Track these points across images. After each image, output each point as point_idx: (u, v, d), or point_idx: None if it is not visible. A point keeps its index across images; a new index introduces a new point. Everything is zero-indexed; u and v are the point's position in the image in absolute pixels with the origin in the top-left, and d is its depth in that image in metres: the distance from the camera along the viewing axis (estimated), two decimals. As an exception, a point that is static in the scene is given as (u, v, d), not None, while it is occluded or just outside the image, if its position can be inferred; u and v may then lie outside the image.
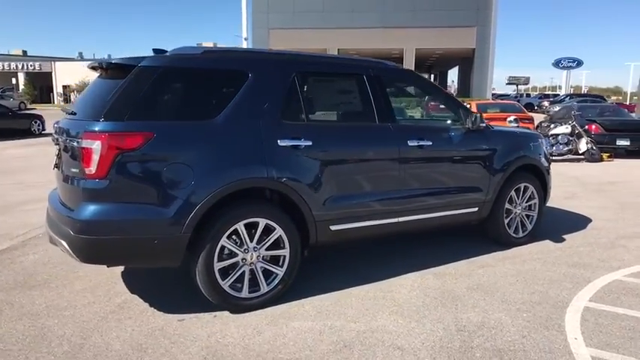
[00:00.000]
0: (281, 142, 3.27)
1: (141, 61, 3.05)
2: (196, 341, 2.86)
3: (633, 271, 4.04)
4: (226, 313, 3.22)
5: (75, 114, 3.28)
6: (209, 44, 65.93)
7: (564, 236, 5.04)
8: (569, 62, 48.71)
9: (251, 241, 3.22)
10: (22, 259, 4.29)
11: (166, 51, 3.63)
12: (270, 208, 3.27)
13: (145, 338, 2.90)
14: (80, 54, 64.73)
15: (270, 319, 3.14)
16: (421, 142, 3.92)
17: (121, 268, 4.04)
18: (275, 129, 3.29)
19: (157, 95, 3.03)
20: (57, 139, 3.37)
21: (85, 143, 2.86)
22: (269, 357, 2.70)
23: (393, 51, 38.58)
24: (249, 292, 3.25)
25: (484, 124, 4.29)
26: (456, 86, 47.51)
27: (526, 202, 4.79)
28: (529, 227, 4.85)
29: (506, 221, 4.64)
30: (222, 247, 3.13)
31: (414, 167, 3.91)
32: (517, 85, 54.00)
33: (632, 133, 11.76)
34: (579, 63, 48.93)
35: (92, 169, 2.84)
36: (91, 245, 2.92)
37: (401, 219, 3.90)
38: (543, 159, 4.91)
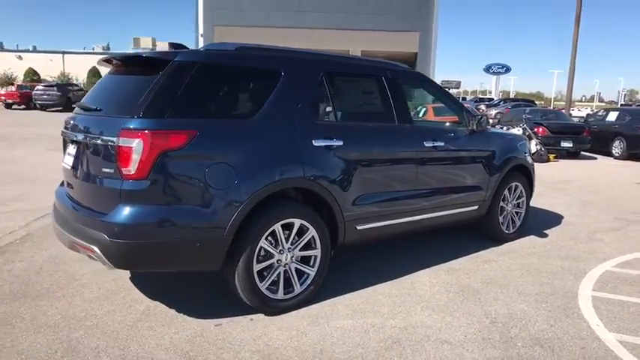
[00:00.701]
0: (315, 142, 3.28)
1: (175, 55, 2.93)
2: (244, 346, 2.80)
3: (618, 262, 4.44)
4: (261, 316, 3.17)
5: (95, 110, 3.08)
6: (147, 40, 63.37)
7: (546, 232, 5.42)
8: (498, 68, 50.85)
9: (286, 241, 3.20)
10: (9, 268, 3.93)
11: (184, 46, 3.52)
12: (304, 209, 3.25)
13: (189, 345, 2.79)
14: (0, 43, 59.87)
15: (310, 320, 3.14)
16: (435, 143, 4.07)
17: (127, 273, 3.84)
18: (309, 129, 3.29)
19: (195, 92, 2.92)
20: (73, 137, 3.15)
21: (123, 142, 2.69)
22: (325, 357, 2.70)
23: (338, 52, 39.05)
24: (284, 294, 3.22)
25: (489, 126, 4.52)
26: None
27: (516, 200, 5.11)
28: (518, 223, 5.17)
29: (500, 218, 4.93)
30: (260, 249, 3.08)
31: (428, 167, 4.05)
32: (449, 89, 56.62)
33: (574, 135, 12.83)
34: (508, 69, 51.41)
35: (131, 169, 2.69)
36: (131, 250, 2.76)
37: (416, 217, 4.03)
38: (529, 158, 5.26)
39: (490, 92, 62.28)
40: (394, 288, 3.71)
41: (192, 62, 2.94)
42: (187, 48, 3.57)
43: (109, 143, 2.77)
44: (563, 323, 3.17)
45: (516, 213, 5.15)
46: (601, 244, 5.02)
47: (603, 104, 67.71)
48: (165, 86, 2.82)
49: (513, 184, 5.00)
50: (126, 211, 2.71)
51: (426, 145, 4.00)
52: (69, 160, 3.21)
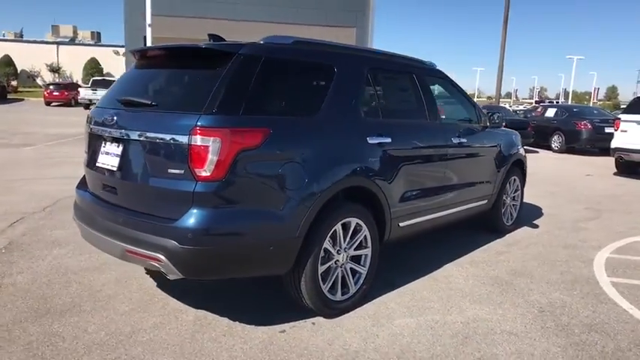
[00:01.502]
0: (370, 140, 3.23)
1: (239, 48, 2.74)
2: (323, 351, 2.70)
3: (613, 249, 4.84)
4: (321, 319, 3.08)
5: (149, 105, 2.80)
6: (67, 28, 58.73)
7: (535, 222, 5.77)
8: None
9: (344, 241, 3.13)
10: (10, 281, 3.49)
11: (221, 37, 3.32)
12: (359, 207, 3.20)
13: (266, 355, 2.64)
14: None
15: (372, 321, 3.10)
16: (460, 140, 4.18)
17: (151, 281, 3.57)
18: (363, 126, 3.24)
19: (263, 88, 2.74)
20: (117, 134, 2.85)
21: (198, 140, 2.48)
22: (409, 357, 2.68)
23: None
24: (341, 295, 3.16)
25: (503, 123, 4.72)
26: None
27: (513, 193, 5.39)
28: (514, 215, 5.46)
29: (502, 211, 5.17)
30: (323, 250, 2.99)
31: (455, 162, 4.15)
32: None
33: (519, 130, 13.67)
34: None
35: (206, 170, 2.48)
36: (205, 257, 2.55)
37: (444, 212, 4.12)
38: (524, 153, 5.56)
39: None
40: (432, 283, 3.76)
41: (258, 56, 2.77)
42: (224, 39, 3.37)
43: (178, 142, 2.53)
44: (602, 309, 3.40)
45: (513, 205, 5.43)
46: (588, 233, 5.43)
47: (520, 101, 72.62)
48: (235, 81, 2.64)
49: (512, 177, 5.26)
50: (200, 215, 2.50)
51: (454, 141, 4.09)
52: (109, 161, 2.89)
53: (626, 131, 9.21)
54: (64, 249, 4.24)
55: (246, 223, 2.62)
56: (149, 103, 2.76)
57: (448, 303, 3.41)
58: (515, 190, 5.41)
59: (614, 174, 10.12)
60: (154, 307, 3.17)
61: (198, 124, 2.48)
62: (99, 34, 62.66)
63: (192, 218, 2.50)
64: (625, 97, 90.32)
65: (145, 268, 3.80)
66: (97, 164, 3.00)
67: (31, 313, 3.02)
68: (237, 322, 3.00)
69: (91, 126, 3.16)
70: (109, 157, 2.90)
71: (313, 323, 3.03)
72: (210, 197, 2.51)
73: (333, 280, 3.09)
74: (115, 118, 2.85)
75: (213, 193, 2.51)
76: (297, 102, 2.99)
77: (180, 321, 3.00)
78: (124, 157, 2.81)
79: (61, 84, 28.64)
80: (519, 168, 5.40)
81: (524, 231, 5.41)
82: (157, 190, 2.62)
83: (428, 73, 4.13)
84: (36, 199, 5.96)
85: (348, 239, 3.15)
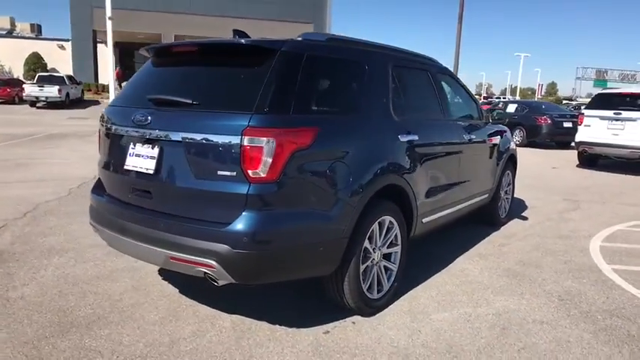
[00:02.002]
0: (401, 138, 3.26)
1: (281, 45, 2.68)
2: (374, 350, 2.71)
3: (603, 237, 5.14)
4: (359, 318, 3.08)
5: (189, 105, 2.65)
6: (4, 19, 54.86)
7: (523, 215, 6.03)
8: None
9: (379, 239, 3.14)
10: (17, 295, 3.26)
11: (246, 34, 3.24)
12: (393, 205, 3.22)
13: (317, 357, 2.62)
14: None
15: (409, 317, 3.13)
16: (470, 136, 4.29)
17: (172, 288, 3.43)
18: (394, 124, 3.26)
19: (307, 85, 2.69)
20: (151, 135, 2.71)
21: (252, 141, 2.40)
22: (458, 350, 2.74)
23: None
24: (377, 293, 3.17)
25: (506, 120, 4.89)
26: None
27: (507, 187, 5.60)
28: (507, 208, 5.68)
29: (498, 204, 5.36)
30: (364, 249, 2.99)
31: (467, 158, 4.26)
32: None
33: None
34: None
35: (261, 171, 2.41)
36: (260, 261, 2.49)
37: (456, 207, 4.22)
38: (515, 147, 5.78)
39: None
40: (451, 277, 3.85)
41: (301, 53, 2.72)
42: (248, 35, 3.29)
43: (228, 143, 2.44)
44: (615, 295, 3.60)
45: (506, 199, 5.64)
46: (575, 223, 5.74)
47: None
48: (283, 79, 2.58)
49: (507, 171, 5.47)
50: (254, 218, 2.43)
51: (465, 137, 4.20)
52: (142, 163, 2.74)
53: (589, 125, 9.78)
54: (63, 257, 3.99)
55: (299, 225, 2.58)
56: (190, 102, 2.64)
57: (474, 296, 3.50)
58: (508, 184, 5.62)
59: (577, 166, 10.73)
60: (185, 315, 3.06)
61: (251, 124, 2.41)
62: (39, 26, 59.08)
63: (246, 221, 2.42)
64: (564, 92, 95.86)
65: (161, 274, 3.66)
66: (125, 167, 2.84)
67: (54, 328, 2.83)
68: (277, 326, 2.95)
69: (112, 126, 2.99)
70: (141, 159, 2.75)
71: (354, 322, 3.02)
72: (264, 199, 2.45)
73: (370, 278, 3.10)
74: (150, 118, 2.70)
75: (267, 195, 2.44)
76: (337, 100, 2.96)
77: (217, 327, 2.91)
78: (161, 159, 2.67)
79: (1, 80, 26.80)
80: (512, 162, 5.61)
81: (516, 223, 5.63)
82: (205, 193, 2.51)
83: (438, 70, 4.21)
84: (12, 204, 5.57)
85: (382, 237, 3.17)
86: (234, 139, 2.42)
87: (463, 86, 4.69)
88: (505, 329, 3.01)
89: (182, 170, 2.59)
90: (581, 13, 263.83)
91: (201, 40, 2.96)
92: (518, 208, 6.29)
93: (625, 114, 9.26)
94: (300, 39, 2.87)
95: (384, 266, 3.25)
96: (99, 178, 3.31)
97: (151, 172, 2.69)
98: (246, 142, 2.40)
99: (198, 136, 2.52)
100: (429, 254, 4.35)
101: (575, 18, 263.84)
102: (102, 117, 3.19)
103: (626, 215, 6.19)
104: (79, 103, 26.09)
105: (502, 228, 5.39)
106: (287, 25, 35.86)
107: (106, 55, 37.69)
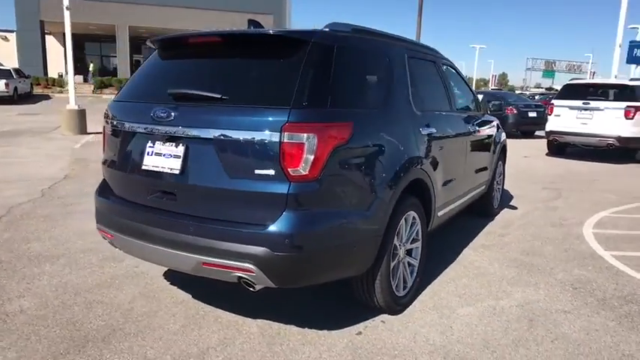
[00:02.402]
0: (422, 131, 3.20)
1: (312, 35, 2.54)
2: (412, 349, 2.65)
3: (592, 224, 5.31)
4: (387, 317, 3.01)
5: (217, 99, 2.47)
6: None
7: (512, 204, 6.16)
8: None
9: (404, 235, 3.09)
10: (15, 308, 2.98)
11: (261, 24, 3.09)
12: (416, 201, 3.16)
13: (357, 359, 2.55)
14: None
15: (436, 313, 3.10)
16: (474, 127, 4.31)
17: (184, 294, 3.26)
18: (415, 117, 3.20)
19: (339, 78, 2.57)
20: (176, 132, 2.51)
21: (292, 137, 2.26)
22: (494, 344, 2.72)
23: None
24: (402, 290, 3.12)
25: (502, 112, 4.92)
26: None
27: (498, 177, 5.69)
28: (499, 198, 5.78)
29: (493, 194, 5.44)
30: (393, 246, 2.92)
31: (472, 150, 4.27)
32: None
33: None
34: None
35: (302, 169, 2.28)
36: (302, 263, 2.37)
37: (463, 200, 4.23)
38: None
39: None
40: (464, 270, 3.85)
41: (331, 45, 2.59)
42: (262, 25, 3.14)
43: (266, 140, 2.29)
44: (623, 281, 3.71)
45: (498, 189, 5.74)
46: (562, 211, 5.91)
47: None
48: (318, 71, 2.45)
49: (499, 162, 5.55)
50: (296, 218, 2.30)
51: (470, 129, 4.21)
52: (165, 163, 2.54)
53: (559, 115, 10.14)
54: (56, 264, 3.71)
55: (338, 224, 2.47)
56: (219, 97, 2.46)
57: (491, 288, 3.52)
58: (500, 175, 5.72)
59: (547, 154, 11.12)
60: (207, 322, 2.90)
61: (291, 119, 2.27)
62: (-24, 15, 55.30)
63: (287, 222, 2.30)
64: (514, 82, 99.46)
65: (167, 279, 3.47)
66: (143, 167, 2.63)
67: (68, 344, 2.61)
68: (306, 329, 2.84)
69: (122, 122, 2.77)
70: (163, 158, 2.56)
71: (383, 322, 2.96)
72: (306, 198, 2.32)
73: (397, 276, 3.04)
74: (174, 114, 2.50)
75: (309, 194, 2.32)
76: (367, 93, 2.86)
77: (245, 334, 2.77)
78: (188, 158, 2.48)
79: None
80: (503, 153, 5.70)
81: (507, 213, 5.74)
82: (240, 193, 2.36)
83: (442, 61, 4.19)
84: (-19, 208, 5.15)
85: (407, 233, 3.12)
86: (273, 136, 2.28)
87: (462, 77, 4.70)
88: (532, 321, 3.03)
89: (213, 170, 2.42)
90: (533, 5, 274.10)
91: (222, 30, 2.78)
92: (505, 198, 6.41)
93: (593, 104, 9.66)
94: (327, 30, 2.74)
95: (408, 262, 3.20)
96: (103, 180, 3.07)
97: (177, 172, 2.50)
98: (286, 139, 2.26)
99: (231, 133, 2.36)
100: (437, 247, 4.34)
101: (527, 10, 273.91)
102: (106, 114, 2.95)
103: (607, 202, 6.44)
104: (28, 98, 24.62)
105: (496, 218, 5.48)
106: (248, 16, 35.19)
107: (56, 47, 35.84)
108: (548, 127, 10.41)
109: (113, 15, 32.19)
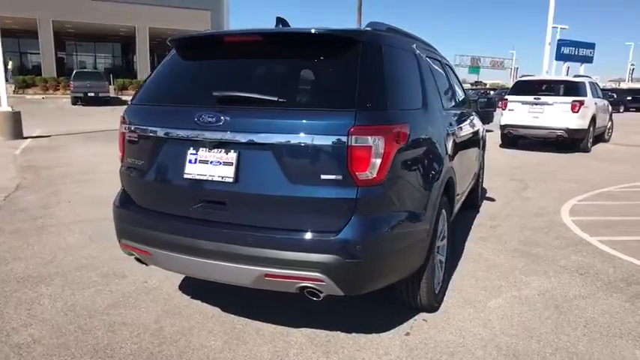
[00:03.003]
0: (449, 129, 3.26)
1: (361, 35, 2.49)
2: (465, 345, 2.70)
3: (567, 212, 5.68)
4: (426, 315, 3.04)
5: (274, 102, 2.36)
6: None
7: (488, 196, 6.44)
8: None
9: (439, 233, 3.13)
10: (26, 339, 2.69)
11: (287, 22, 3.01)
12: (446, 199, 3.20)
13: (417, 359, 2.55)
14: None
15: (471, 308, 3.17)
16: (472, 123, 4.46)
17: (201, 307, 3.10)
18: (443, 116, 3.24)
19: (390, 79, 2.53)
20: (209, 139, 2.39)
21: (360, 140, 2.21)
22: (536, 333, 2.83)
23: (122, 28, 35.55)
24: (437, 287, 3.16)
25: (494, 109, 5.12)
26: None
27: (480, 170, 5.92)
28: (480, 191, 6.02)
29: (479, 187, 5.66)
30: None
31: (471, 145, 4.41)
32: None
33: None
34: None
35: (370, 173, 2.23)
36: (372, 269, 2.33)
37: (466, 194, 4.36)
38: (484, 133, 6.13)
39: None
40: (475, 263, 3.97)
41: (379, 44, 2.55)
42: (289, 23, 3.04)
43: (333, 144, 2.21)
44: (621, 265, 3.98)
45: (480, 182, 5.97)
46: (536, 201, 6.27)
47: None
48: (373, 72, 2.41)
49: (484, 155, 5.78)
50: (365, 224, 2.26)
51: (469, 125, 4.34)
52: (215, 171, 2.37)
53: (512, 110, 10.76)
54: (51, 285, 3.39)
55: (402, 226, 2.46)
56: (276, 100, 2.34)
57: (508, 279, 3.66)
58: (481, 168, 5.96)
59: (500, 146, 11.74)
60: (250, 335, 2.77)
61: (358, 122, 2.21)
62: None
63: (356, 228, 2.25)
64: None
65: (186, 292, 3.28)
66: (186, 176, 2.46)
67: (110, 371, 2.39)
68: (354, 335, 2.80)
69: (150, 128, 2.57)
70: (211, 166, 2.39)
71: (425, 320, 2.98)
72: (373, 202, 2.28)
73: (434, 274, 3.07)
74: (224, 118, 2.35)
75: (376, 198, 2.28)
76: (411, 93, 2.85)
77: (295, 345, 2.68)
78: (241, 165, 2.35)
79: None
80: (484, 147, 5.95)
81: (488, 205, 5.99)
82: (304, 200, 2.27)
83: (444, 60, 4.28)
84: None
85: (440, 231, 3.16)
86: (340, 140, 2.21)
87: (455, 74, 4.83)
88: (558, 307, 3.19)
89: (272, 176, 2.30)
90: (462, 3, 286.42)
91: (262, 29, 2.64)
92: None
93: (543, 99, 10.34)
94: (370, 29, 2.69)
95: (439, 259, 3.25)
96: (123, 191, 2.83)
97: (230, 180, 2.36)
98: (353, 142, 2.21)
99: (292, 138, 2.26)
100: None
101: (456, 8, 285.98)
102: (127, 119, 2.72)
103: (571, 191, 6.90)
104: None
105: (480, 210, 5.70)
106: (188, 11, 34.17)
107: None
108: (503, 121, 11.00)
109: (34, 8, 29.88)
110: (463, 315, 3.07)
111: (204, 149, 2.43)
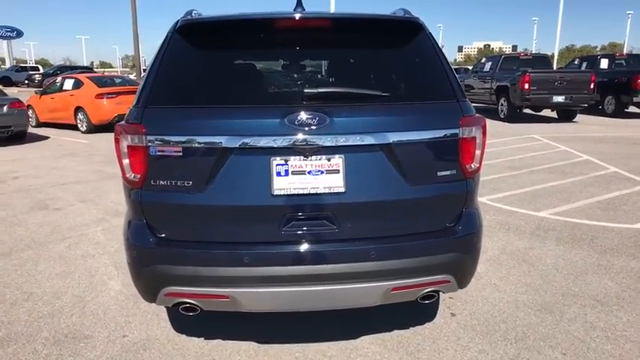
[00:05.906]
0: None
1: (419, 21, 2.47)
2: (505, 321, 3.05)
3: (555, 212, 6.08)
4: (452, 294, 3.31)
5: (376, 97, 2.31)
6: None
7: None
8: (7, 32, 44.48)
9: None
10: None
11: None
12: None
13: (471, 331, 2.91)
14: None
15: (492, 290, 3.49)
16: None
17: (227, 330, 2.95)
18: None
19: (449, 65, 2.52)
20: (309, 146, 2.15)
21: (467, 132, 2.25)
22: (557, 311, 3.19)
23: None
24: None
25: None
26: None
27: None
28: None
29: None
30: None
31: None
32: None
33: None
34: (19, 33, 45.74)
35: (475, 164, 2.30)
36: (477, 258, 2.48)
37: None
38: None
39: (3, 60, 54.19)
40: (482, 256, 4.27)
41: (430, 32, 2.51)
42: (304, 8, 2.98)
43: (445, 138, 2.22)
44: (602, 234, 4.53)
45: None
46: (504, 186, 6.50)
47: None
48: (444, 60, 2.39)
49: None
50: (474, 216, 2.39)
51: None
52: (317, 182, 2.17)
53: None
54: (83, 343, 2.98)
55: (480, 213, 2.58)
56: (379, 94, 2.28)
57: (512, 270, 3.87)
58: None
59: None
60: (283, 354, 2.73)
61: (465, 113, 2.25)
62: None
63: (470, 220, 2.36)
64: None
65: (188, 320, 3.00)
66: (275, 192, 2.16)
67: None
68: (411, 329, 2.95)
69: (198, 136, 2.15)
70: (310, 176, 2.15)
71: (451, 298, 3.32)
72: (474, 193, 2.40)
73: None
74: (328, 119, 2.11)
75: (474, 189, 2.39)
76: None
77: (370, 354, 2.71)
78: (350, 171, 2.16)
79: None
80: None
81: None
82: (421, 201, 2.24)
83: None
84: None
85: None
86: (452, 132, 2.23)
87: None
88: (577, 277, 3.69)
89: (387, 180, 2.19)
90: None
91: (318, 12, 2.55)
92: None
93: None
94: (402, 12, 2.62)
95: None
96: (147, 224, 2.28)
97: (341, 190, 2.15)
98: (464, 134, 2.24)
99: (406, 135, 2.17)
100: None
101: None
102: (147, 128, 2.17)
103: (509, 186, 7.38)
104: None
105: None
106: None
107: None
108: None
109: None
110: (489, 299, 3.37)
111: (297, 157, 2.15)
